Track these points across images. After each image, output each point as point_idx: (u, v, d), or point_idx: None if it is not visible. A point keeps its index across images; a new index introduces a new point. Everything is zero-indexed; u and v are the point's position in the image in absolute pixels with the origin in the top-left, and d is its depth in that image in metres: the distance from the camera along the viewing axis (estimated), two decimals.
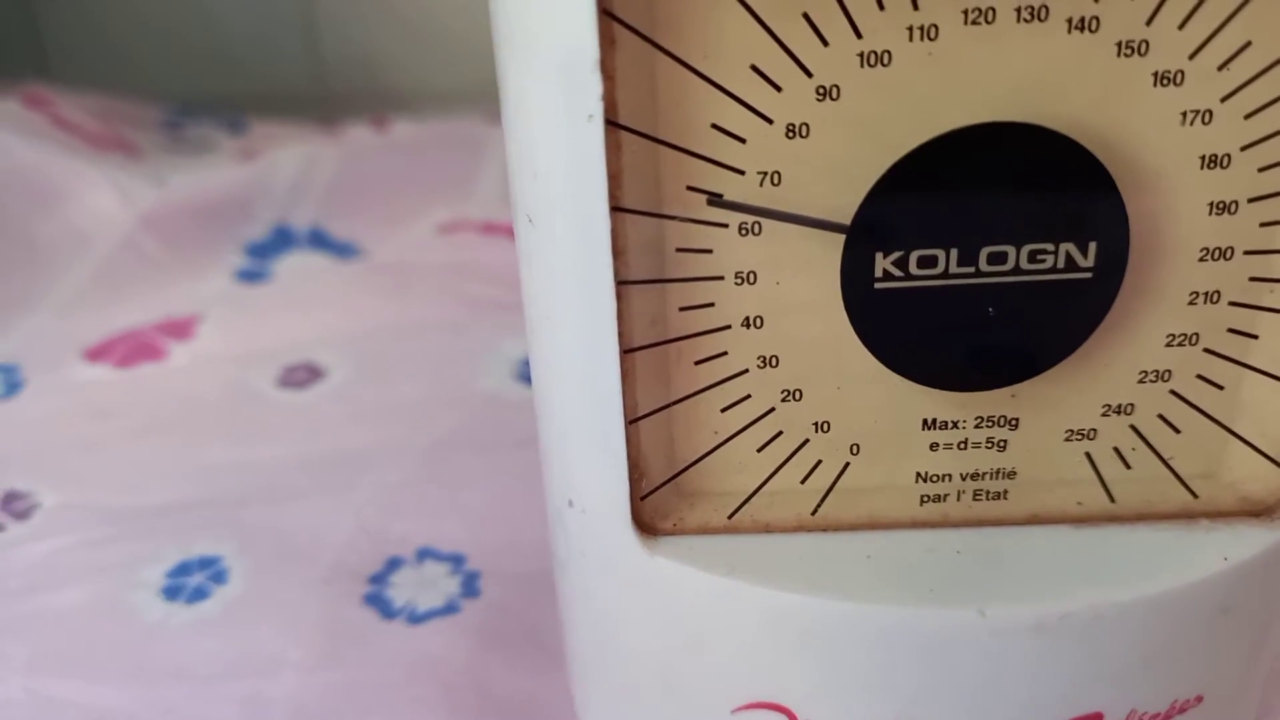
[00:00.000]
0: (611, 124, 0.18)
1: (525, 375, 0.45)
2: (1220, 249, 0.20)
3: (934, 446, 0.22)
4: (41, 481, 0.40)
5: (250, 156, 0.67)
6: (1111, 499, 0.22)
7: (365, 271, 0.56)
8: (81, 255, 0.58)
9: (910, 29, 0.18)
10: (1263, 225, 0.20)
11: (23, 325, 0.52)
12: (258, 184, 0.63)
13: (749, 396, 0.21)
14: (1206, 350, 0.21)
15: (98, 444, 0.42)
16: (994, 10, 0.18)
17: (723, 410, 0.22)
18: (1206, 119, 0.19)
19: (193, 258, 0.58)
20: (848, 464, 0.22)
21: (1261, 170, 0.19)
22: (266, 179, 0.63)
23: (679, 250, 0.20)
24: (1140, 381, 0.21)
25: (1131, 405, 0.21)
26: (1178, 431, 0.22)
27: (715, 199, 0.19)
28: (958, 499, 0.22)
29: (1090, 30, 0.18)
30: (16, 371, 0.48)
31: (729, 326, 0.21)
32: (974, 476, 0.22)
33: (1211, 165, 0.19)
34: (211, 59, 0.86)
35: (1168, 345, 0.21)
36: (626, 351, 0.20)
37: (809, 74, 0.18)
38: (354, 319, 0.50)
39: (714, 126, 0.19)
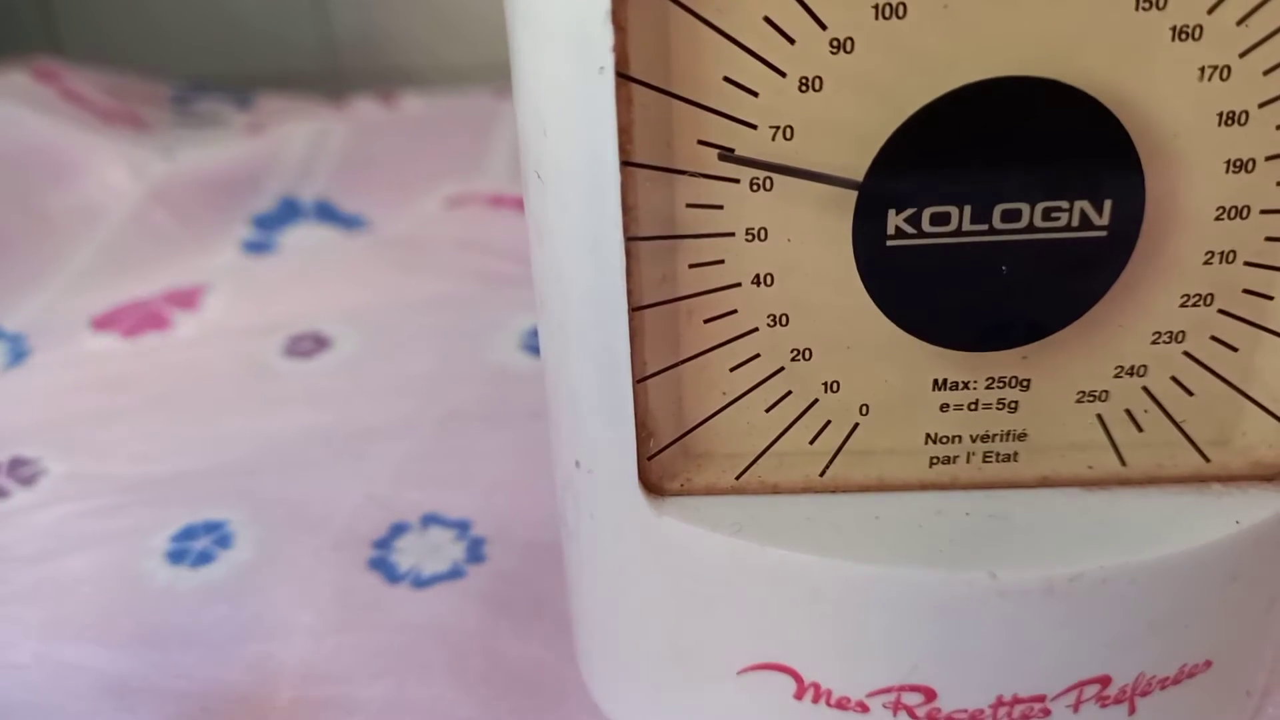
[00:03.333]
0: (623, 76, 0.18)
1: (533, 347, 0.45)
2: (1236, 207, 0.20)
3: (944, 408, 0.22)
4: (48, 449, 0.40)
5: (258, 131, 0.67)
6: (1122, 462, 0.22)
7: (372, 244, 0.55)
8: (91, 228, 0.58)
9: None
10: None
11: (32, 297, 0.52)
12: (267, 158, 0.62)
13: (758, 356, 0.21)
14: (1221, 311, 0.21)
15: (104, 412, 0.42)
16: None
17: (731, 370, 0.21)
18: (1225, 75, 0.19)
19: (202, 231, 0.57)
20: (857, 425, 0.22)
21: None
22: (276, 153, 0.63)
23: (689, 206, 0.20)
24: (1154, 343, 0.21)
25: (1145, 367, 0.21)
26: (1191, 394, 0.21)
27: (727, 154, 0.19)
28: (968, 461, 0.22)
29: None
30: (23, 340, 0.48)
31: (739, 284, 0.21)
32: (984, 438, 0.22)
33: (1229, 122, 0.19)
34: (221, 37, 0.86)
35: (1182, 306, 0.21)
36: (635, 309, 0.20)
37: (823, 26, 0.18)
38: (361, 291, 0.50)
39: (726, 80, 0.19)
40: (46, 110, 0.63)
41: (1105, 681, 0.22)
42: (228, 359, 0.45)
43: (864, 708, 0.22)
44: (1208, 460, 0.22)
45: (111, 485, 0.37)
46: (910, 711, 0.22)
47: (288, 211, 0.58)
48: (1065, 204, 0.19)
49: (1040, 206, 0.19)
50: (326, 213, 0.58)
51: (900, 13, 0.18)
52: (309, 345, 0.45)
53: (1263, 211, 0.20)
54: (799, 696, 0.22)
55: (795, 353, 0.21)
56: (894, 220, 0.19)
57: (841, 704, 0.22)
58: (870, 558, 0.21)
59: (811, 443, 0.22)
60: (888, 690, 0.22)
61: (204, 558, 0.33)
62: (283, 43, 0.86)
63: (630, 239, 0.19)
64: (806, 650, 0.22)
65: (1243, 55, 0.18)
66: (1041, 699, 0.22)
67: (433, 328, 0.47)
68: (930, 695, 0.22)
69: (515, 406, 0.41)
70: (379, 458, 0.38)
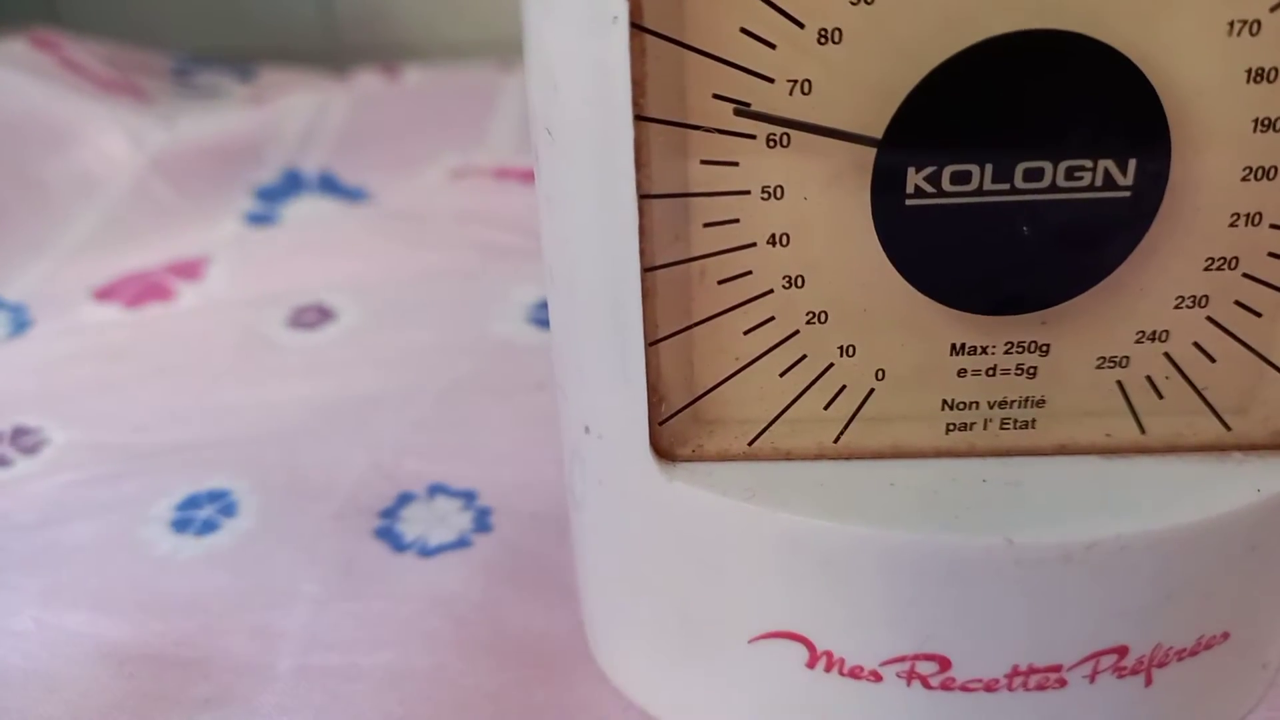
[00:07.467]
0: (636, 27, 0.18)
1: (537, 320, 0.44)
2: (1264, 168, 0.19)
3: (961, 373, 0.21)
4: (50, 418, 0.39)
5: (260, 103, 0.66)
6: (1142, 430, 0.22)
7: (375, 216, 0.55)
8: (91, 198, 0.57)
9: None
10: None
11: (32, 267, 0.52)
12: (268, 129, 0.62)
13: (773, 319, 0.21)
14: (1246, 275, 0.20)
15: (107, 382, 0.42)
16: None
17: (745, 333, 0.21)
18: (1255, 30, 0.18)
19: (202, 201, 0.57)
20: (872, 390, 0.22)
21: None
22: (277, 124, 0.62)
23: (704, 162, 0.19)
24: (1176, 307, 0.21)
25: (1166, 332, 0.21)
26: (1213, 360, 0.21)
27: (743, 108, 0.19)
28: (984, 428, 0.22)
29: None
30: (25, 310, 0.47)
31: (754, 244, 0.20)
32: (1002, 405, 0.22)
33: (1258, 79, 0.18)
34: (222, 11, 0.85)
35: (1206, 269, 0.20)
36: (647, 269, 0.20)
37: None
38: (364, 263, 0.50)
39: (743, 30, 0.18)
40: (45, 78, 0.63)
41: (1122, 652, 0.21)
42: (231, 330, 0.45)
43: (877, 676, 0.22)
44: (1228, 428, 0.22)
45: (114, 454, 0.37)
46: (924, 681, 0.22)
47: (290, 183, 0.58)
48: (1088, 163, 0.19)
49: (1063, 165, 0.19)
50: (329, 185, 0.58)
51: None
52: (313, 317, 0.45)
53: None
54: (811, 665, 0.22)
55: (810, 316, 0.21)
56: (913, 178, 0.19)
57: (854, 673, 0.22)
58: (884, 524, 0.20)
59: (826, 409, 0.22)
60: (901, 659, 0.22)
61: (208, 526, 0.33)
62: (283, 18, 0.85)
63: (643, 197, 0.19)
64: (819, 618, 0.22)
65: (1274, 10, 0.18)
66: (1058, 669, 0.21)
67: (436, 300, 0.46)
68: (945, 664, 0.21)
69: (520, 378, 0.40)
70: (383, 428, 0.38)
